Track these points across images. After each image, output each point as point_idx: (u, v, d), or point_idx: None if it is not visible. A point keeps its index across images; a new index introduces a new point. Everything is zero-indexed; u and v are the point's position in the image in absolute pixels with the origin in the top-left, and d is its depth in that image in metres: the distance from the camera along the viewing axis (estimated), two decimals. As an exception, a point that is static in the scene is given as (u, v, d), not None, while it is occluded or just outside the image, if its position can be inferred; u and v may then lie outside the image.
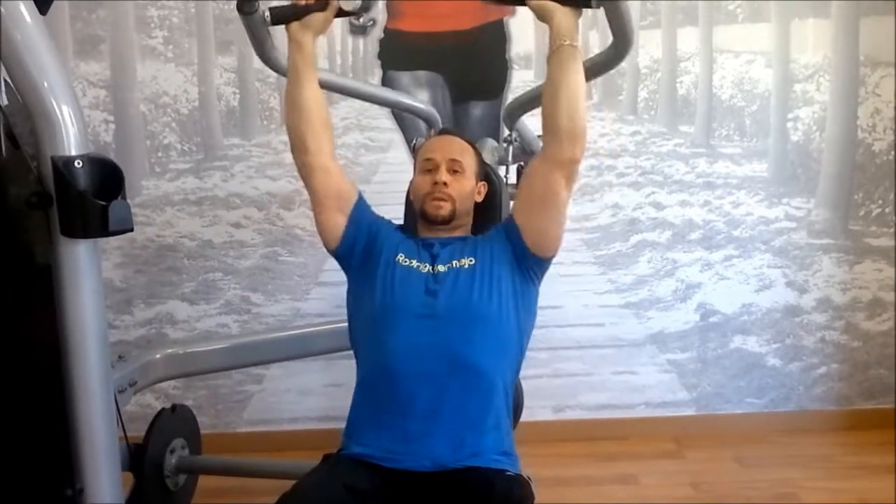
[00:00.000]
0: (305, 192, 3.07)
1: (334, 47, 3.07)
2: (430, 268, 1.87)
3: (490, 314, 1.82)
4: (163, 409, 2.38)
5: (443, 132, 2.15)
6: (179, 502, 2.40)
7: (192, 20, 3.02)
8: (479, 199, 2.03)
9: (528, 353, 3.18)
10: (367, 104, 3.08)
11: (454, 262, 1.87)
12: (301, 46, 1.83)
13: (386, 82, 3.07)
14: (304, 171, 1.91)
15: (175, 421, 2.40)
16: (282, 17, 1.83)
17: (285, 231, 3.14)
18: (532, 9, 1.74)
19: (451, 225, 1.95)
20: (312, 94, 1.85)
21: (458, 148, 1.99)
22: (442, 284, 1.84)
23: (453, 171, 1.95)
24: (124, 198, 1.52)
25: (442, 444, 1.74)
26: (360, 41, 3.06)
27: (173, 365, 2.36)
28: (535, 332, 3.18)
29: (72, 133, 1.52)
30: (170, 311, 3.16)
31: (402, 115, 3.09)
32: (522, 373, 3.18)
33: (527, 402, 3.23)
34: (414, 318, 1.80)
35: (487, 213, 2.09)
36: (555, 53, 1.73)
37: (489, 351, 1.81)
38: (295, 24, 1.82)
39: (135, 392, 2.25)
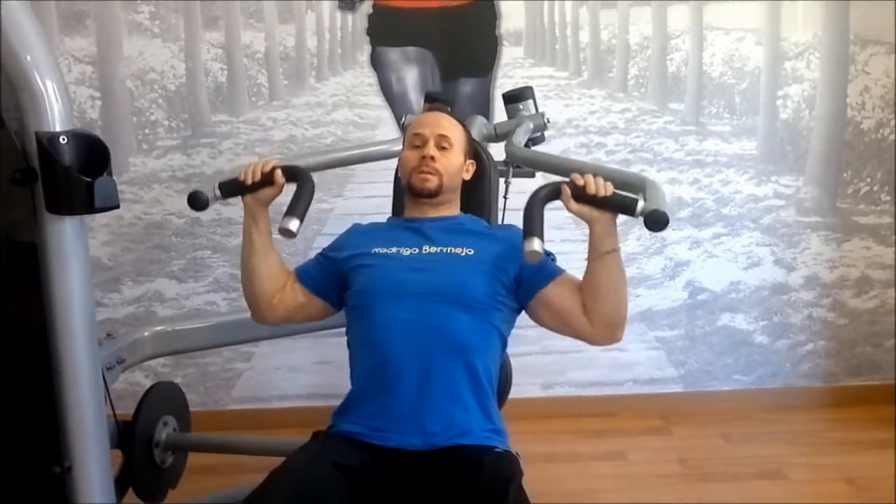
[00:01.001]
0: (294, 170, 3.12)
1: (323, 23, 3.04)
2: (416, 249, 1.86)
3: (481, 301, 1.80)
4: (151, 387, 2.38)
5: (433, 108, 2.12)
6: (169, 479, 2.39)
7: (178, -4, 2.99)
8: (468, 176, 2.02)
9: (516, 331, 3.20)
10: (356, 80, 3.08)
11: (448, 248, 1.86)
12: (256, 221, 1.86)
13: (375, 59, 3.06)
14: (260, 321, 1.94)
15: (164, 398, 2.39)
16: (231, 192, 1.84)
17: (273, 209, 3.08)
18: (572, 212, 1.69)
19: (437, 200, 1.93)
20: (269, 268, 1.87)
21: (447, 124, 1.98)
22: (431, 264, 1.83)
23: (441, 147, 1.93)
24: (110, 174, 1.51)
25: (431, 421, 1.73)
26: (349, 17, 3.04)
27: (161, 342, 2.34)
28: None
29: (56, 109, 1.50)
30: (158, 288, 3.15)
31: (391, 93, 3.08)
32: (511, 350, 3.21)
33: (515, 379, 3.21)
34: (403, 297, 1.79)
35: (475, 191, 2.08)
36: (598, 260, 1.70)
37: (476, 332, 1.80)
38: (248, 199, 1.84)
39: (123, 370, 2.24)
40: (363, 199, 3.11)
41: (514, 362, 3.22)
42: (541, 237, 1.60)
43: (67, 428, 1.58)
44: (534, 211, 1.65)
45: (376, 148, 2.41)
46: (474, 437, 1.76)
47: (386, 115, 3.09)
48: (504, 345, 1.91)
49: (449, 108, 2.14)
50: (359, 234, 1.98)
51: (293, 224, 1.71)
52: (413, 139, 1.96)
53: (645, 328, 3.28)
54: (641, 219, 1.59)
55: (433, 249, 1.86)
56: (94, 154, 1.50)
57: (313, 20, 3.04)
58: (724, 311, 3.29)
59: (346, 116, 3.11)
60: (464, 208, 2.03)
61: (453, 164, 1.95)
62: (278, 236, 1.75)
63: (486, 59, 3.08)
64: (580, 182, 1.67)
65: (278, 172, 1.81)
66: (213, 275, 3.15)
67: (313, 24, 3.04)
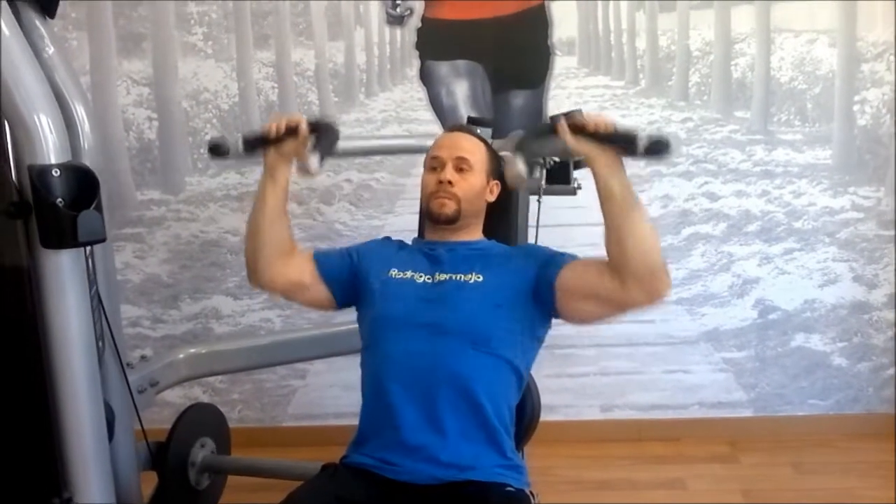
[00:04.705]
0: (345, 187, 3.12)
1: (371, 39, 3.02)
2: (429, 277, 1.80)
3: (488, 335, 1.73)
4: (187, 408, 2.39)
5: (454, 128, 2.06)
6: (206, 501, 2.40)
7: (230, 16, 3.01)
8: (492, 198, 1.93)
9: (574, 350, 3.14)
10: (406, 95, 3.05)
11: (459, 276, 1.78)
12: (274, 178, 1.79)
13: (424, 73, 3.01)
14: (258, 287, 1.90)
15: (201, 420, 2.40)
16: (254, 144, 1.78)
17: (326, 226, 3.11)
18: (570, 145, 1.60)
19: (456, 225, 1.86)
20: (276, 231, 1.81)
21: (466, 145, 1.90)
22: (441, 293, 1.76)
23: (460, 170, 1.86)
24: (98, 207, 1.50)
25: (439, 455, 1.67)
26: (398, 32, 3.00)
27: (197, 364, 2.35)
28: (581, 328, 3.11)
29: (51, 141, 1.51)
30: (215, 305, 3.18)
31: (441, 107, 3.02)
32: (568, 370, 3.14)
33: (573, 400, 3.16)
34: (410, 328, 1.74)
35: (501, 213, 1.99)
36: (607, 201, 1.60)
37: (484, 368, 1.72)
38: (271, 153, 1.77)
39: (157, 392, 2.26)
40: (414, 215, 3.05)
41: (571, 383, 3.16)
42: (527, 162, 1.70)
43: (67, 458, 1.59)
44: (525, 139, 1.74)
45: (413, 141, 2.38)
46: (485, 472, 1.68)
47: (436, 129, 3.01)
48: (519, 376, 1.80)
49: (475, 128, 2.06)
50: (386, 247, 1.94)
51: (313, 161, 1.68)
52: (431, 162, 1.90)
53: (711, 349, 3.11)
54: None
55: (443, 277, 1.79)
56: (83, 187, 1.49)
57: (362, 36, 3.02)
58: (798, 331, 3.09)
59: (396, 132, 3.07)
60: (489, 231, 1.95)
61: (473, 188, 1.87)
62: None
63: (539, 70, 2.99)
64: (579, 118, 1.60)
65: (303, 123, 1.74)
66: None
67: (362, 41, 3.02)
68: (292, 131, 1.74)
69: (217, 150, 1.78)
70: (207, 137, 3.09)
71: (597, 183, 1.61)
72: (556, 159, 2.32)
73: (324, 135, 1.76)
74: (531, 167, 1.94)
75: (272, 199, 1.80)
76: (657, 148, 1.52)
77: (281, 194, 1.80)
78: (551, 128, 1.64)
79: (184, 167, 3.11)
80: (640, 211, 1.60)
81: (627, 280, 1.60)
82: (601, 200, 1.61)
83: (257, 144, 1.78)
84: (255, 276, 1.86)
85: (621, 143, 1.57)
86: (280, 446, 3.05)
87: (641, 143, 1.52)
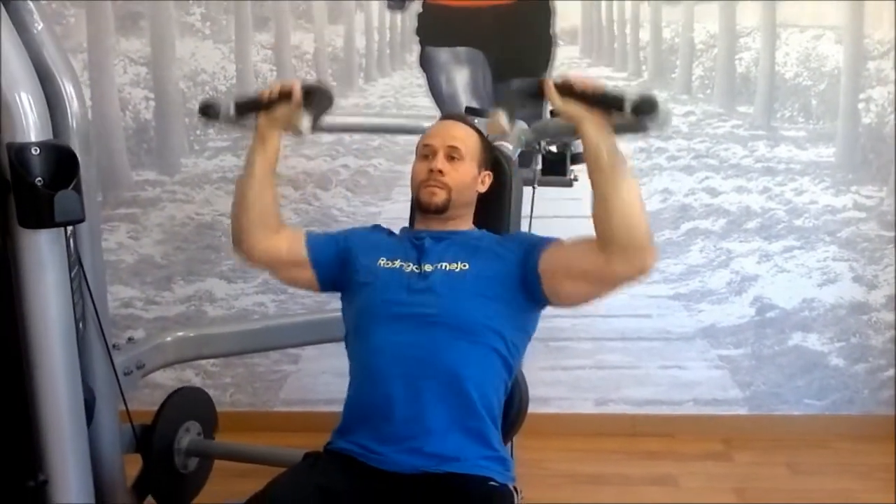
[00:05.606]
0: (342, 172, 3.09)
1: (371, 23, 2.98)
2: (417, 266, 1.77)
3: (475, 325, 1.70)
4: (174, 392, 2.37)
5: (448, 117, 2.03)
6: (192, 485, 2.39)
7: (229, -4, 2.99)
8: (483, 189, 1.90)
9: (569, 343, 3.12)
10: (405, 82, 3.01)
11: (444, 264, 1.76)
12: (264, 143, 1.76)
13: (424, 59, 2.98)
14: (241, 257, 1.87)
15: (187, 403, 2.38)
16: (246, 109, 1.76)
17: (321, 211, 3.09)
18: (557, 108, 1.57)
19: (446, 215, 1.83)
20: (261, 198, 1.78)
21: (459, 134, 1.87)
22: (427, 284, 1.74)
23: (451, 158, 1.83)
24: (77, 188, 1.47)
25: (423, 446, 1.66)
26: (398, 16, 2.96)
27: (184, 347, 2.33)
28: (577, 321, 3.10)
29: (31, 120, 1.48)
30: (209, 288, 3.16)
31: (441, 95, 2.99)
32: (563, 362, 3.12)
33: (567, 393, 3.14)
34: (396, 319, 1.72)
35: (492, 205, 1.95)
36: (594, 167, 1.56)
37: (472, 358, 1.70)
38: (262, 118, 1.75)
39: (143, 375, 2.24)
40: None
41: (565, 376, 3.14)
42: (510, 117, 1.61)
43: (43, 440, 1.57)
44: (508, 97, 1.70)
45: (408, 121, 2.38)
46: (469, 465, 1.66)
47: (436, 117, 2.99)
48: (508, 367, 1.77)
49: (473, 118, 2.03)
50: (375, 234, 1.91)
51: (305, 121, 1.65)
52: (423, 150, 1.87)
53: (707, 345, 3.08)
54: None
55: (429, 268, 1.76)
56: (63, 166, 1.47)
57: (362, 20, 2.98)
58: (796, 330, 3.06)
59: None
60: (480, 222, 1.91)
61: (464, 177, 1.83)
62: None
63: (540, 59, 2.95)
64: (567, 79, 1.56)
65: (297, 86, 1.70)
66: (261, 276, 3.13)
67: (362, 25, 2.99)
68: (286, 96, 1.70)
69: (208, 111, 1.76)
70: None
71: (585, 149, 1.58)
72: (553, 149, 2.33)
73: (317, 100, 1.72)
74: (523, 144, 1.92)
75: (260, 165, 1.77)
76: (645, 108, 1.47)
77: (269, 160, 1.78)
78: (538, 87, 1.60)
79: (180, 148, 3.08)
80: (628, 180, 1.57)
81: (613, 253, 1.57)
82: (589, 169, 1.59)
83: (249, 108, 1.76)
84: (239, 246, 1.84)
85: (609, 103, 1.53)
86: (271, 431, 3.02)
87: (629, 103, 1.48)
